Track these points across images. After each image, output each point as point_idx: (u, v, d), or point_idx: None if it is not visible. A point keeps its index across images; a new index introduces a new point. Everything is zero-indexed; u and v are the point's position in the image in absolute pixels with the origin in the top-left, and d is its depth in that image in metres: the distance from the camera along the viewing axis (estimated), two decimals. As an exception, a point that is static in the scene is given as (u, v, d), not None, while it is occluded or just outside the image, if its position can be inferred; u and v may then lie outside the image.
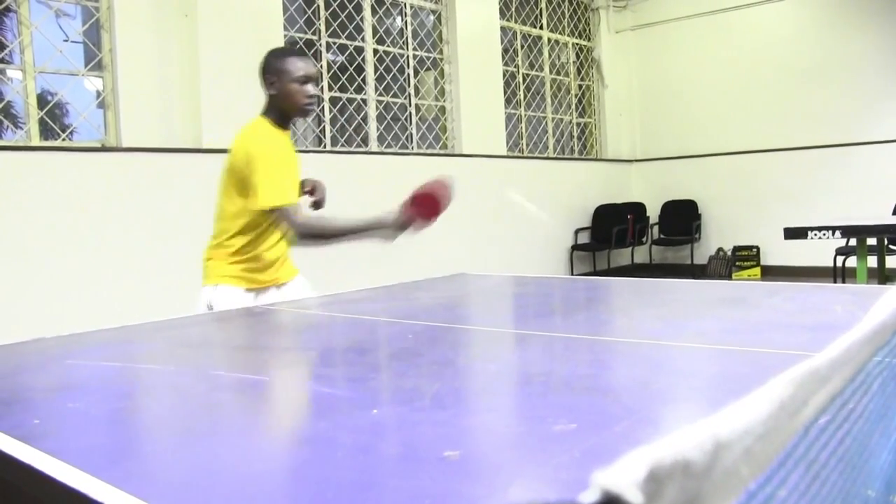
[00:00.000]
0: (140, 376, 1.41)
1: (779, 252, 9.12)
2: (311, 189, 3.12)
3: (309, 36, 6.96)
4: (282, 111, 2.83)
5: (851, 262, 6.59)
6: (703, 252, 10.09)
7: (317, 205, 3.09)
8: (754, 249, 9.67)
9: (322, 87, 7.03)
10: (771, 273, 9.48)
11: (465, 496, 0.59)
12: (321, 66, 7.01)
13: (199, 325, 2.01)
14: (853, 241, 5.44)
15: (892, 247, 6.71)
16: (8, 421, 0.97)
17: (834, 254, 7.36)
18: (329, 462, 0.77)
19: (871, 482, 0.55)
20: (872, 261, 5.87)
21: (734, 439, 0.24)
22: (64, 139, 5.54)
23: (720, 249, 10.01)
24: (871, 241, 5.72)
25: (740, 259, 9.74)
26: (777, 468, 0.30)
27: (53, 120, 5.49)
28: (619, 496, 0.20)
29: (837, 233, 4.96)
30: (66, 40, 5.64)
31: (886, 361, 0.56)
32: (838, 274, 7.23)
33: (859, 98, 8.99)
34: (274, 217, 2.62)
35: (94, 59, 5.63)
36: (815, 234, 5.00)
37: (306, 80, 2.78)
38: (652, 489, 0.21)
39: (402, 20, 7.93)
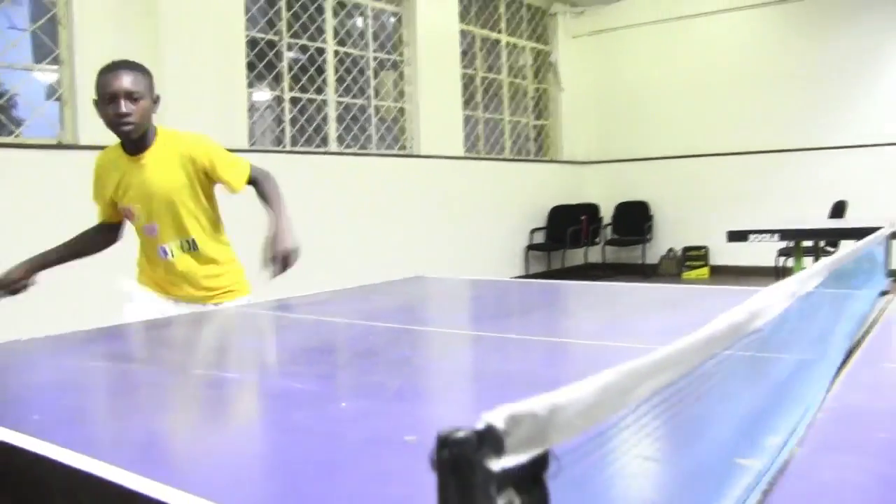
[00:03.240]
0: (125, 374, 1.52)
1: (726, 252, 9.35)
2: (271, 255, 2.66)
3: (270, 37, 7.02)
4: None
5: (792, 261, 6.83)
6: (655, 252, 10.32)
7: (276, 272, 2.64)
8: (703, 250, 9.92)
9: (282, 87, 7.11)
10: (719, 273, 9.73)
11: (421, 472, 0.72)
12: (282, 67, 7.09)
13: (169, 327, 2.11)
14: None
15: (829, 248, 6.95)
16: (10, 417, 1.08)
17: (776, 254, 7.62)
18: (307, 446, 0.90)
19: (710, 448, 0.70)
20: (812, 261, 6.12)
21: (568, 403, 0.37)
22: (17, 135, 5.51)
23: (671, 250, 10.25)
24: (810, 242, 5.97)
25: (690, 259, 9.99)
26: (611, 425, 0.43)
27: (3, 114, 5.46)
28: (493, 425, 0.33)
29: (776, 236, 5.18)
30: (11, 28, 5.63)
31: (736, 354, 0.70)
32: (780, 274, 7.47)
33: (806, 106, 9.28)
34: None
35: (50, 54, 5.61)
36: (756, 238, 5.21)
37: (113, 97, 2.47)
38: (511, 424, 0.35)
39: (363, 22, 8.03)
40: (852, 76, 9.05)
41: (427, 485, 0.38)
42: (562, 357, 1.56)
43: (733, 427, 0.73)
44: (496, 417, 0.36)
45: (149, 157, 2.59)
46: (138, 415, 1.18)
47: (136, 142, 2.57)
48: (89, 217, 4.47)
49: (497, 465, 0.36)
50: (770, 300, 0.75)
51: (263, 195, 2.65)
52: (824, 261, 1.24)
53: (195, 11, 6.15)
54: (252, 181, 2.65)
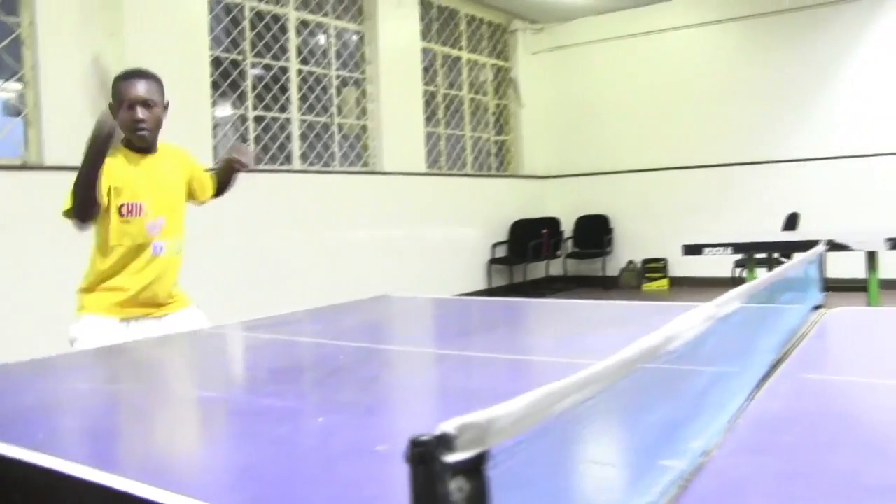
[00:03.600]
0: (115, 395, 1.63)
1: (685, 264, 9.56)
2: (232, 157, 3.09)
3: (234, 56, 7.11)
4: (125, 135, 2.79)
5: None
6: (615, 264, 10.53)
7: (239, 168, 3.08)
8: (662, 262, 10.14)
9: (246, 105, 7.21)
10: (678, 284, 9.96)
11: (392, 476, 0.84)
12: (246, 86, 7.18)
13: (147, 349, 2.21)
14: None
15: (783, 259, 7.17)
16: (15, 435, 1.18)
17: (733, 265, 7.83)
18: (292, 457, 1.02)
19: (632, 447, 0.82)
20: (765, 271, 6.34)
21: (502, 415, 0.50)
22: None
23: (631, 262, 10.45)
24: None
25: (649, 271, 10.20)
26: (537, 431, 0.56)
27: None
28: (447, 431, 0.46)
29: (730, 249, 5.37)
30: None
31: (661, 367, 0.83)
32: (736, 284, 7.66)
33: (760, 120, 9.56)
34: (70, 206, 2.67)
35: (14, 74, 5.65)
36: (711, 251, 5.40)
37: (132, 103, 2.71)
38: (460, 431, 0.47)
39: (326, 41, 8.14)
40: (804, 92, 9.34)
41: (397, 486, 0.50)
42: (519, 373, 1.69)
43: (656, 432, 0.86)
44: (449, 426, 0.49)
45: (158, 157, 2.85)
46: (131, 432, 1.29)
47: (148, 145, 2.80)
48: (56, 237, 4.50)
49: (450, 459, 0.49)
50: (685, 325, 0.88)
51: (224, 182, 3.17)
52: (748, 285, 1.39)
53: (159, 31, 6.22)
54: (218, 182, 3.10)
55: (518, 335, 2.33)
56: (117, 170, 2.72)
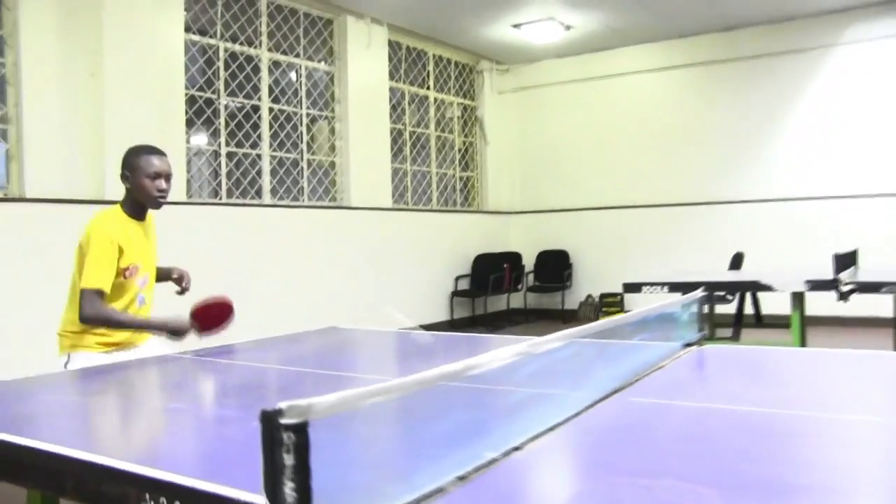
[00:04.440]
0: (96, 405, 1.99)
1: (640, 299, 9.93)
2: (178, 277, 3.47)
3: (208, 95, 7.48)
4: (136, 203, 3.15)
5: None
6: (574, 298, 10.94)
7: (182, 291, 3.44)
8: (619, 296, 10.53)
9: (219, 142, 7.57)
10: (650, 325, 10.34)
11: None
12: (219, 123, 7.55)
13: (122, 371, 2.57)
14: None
15: (728, 297, 7.58)
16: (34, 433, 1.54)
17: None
18: (233, 446, 1.38)
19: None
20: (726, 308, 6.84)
21: (318, 402, 0.87)
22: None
23: (589, 296, 10.86)
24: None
25: (606, 305, 10.60)
26: (348, 415, 0.94)
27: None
28: (283, 407, 0.84)
29: (666, 287, 5.77)
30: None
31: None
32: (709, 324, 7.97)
33: (710, 162, 10.06)
34: (83, 305, 2.93)
35: None
36: (648, 289, 5.81)
37: (157, 175, 3.11)
38: (290, 408, 0.85)
39: (297, 80, 8.54)
40: (751, 137, 9.85)
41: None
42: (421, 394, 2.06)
43: (462, 431, 1.24)
44: (283, 405, 0.86)
45: (146, 223, 3.25)
46: (126, 431, 1.65)
47: (146, 212, 3.22)
48: (35, 267, 4.78)
49: (283, 421, 0.86)
50: (491, 357, 1.27)
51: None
52: (597, 323, 1.78)
53: (137, 71, 6.56)
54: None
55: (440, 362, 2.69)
56: (125, 238, 3.10)
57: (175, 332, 3.02)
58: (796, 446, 1.43)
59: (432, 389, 1.12)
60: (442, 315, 10.02)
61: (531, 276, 11.16)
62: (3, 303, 5.58)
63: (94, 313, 2.94)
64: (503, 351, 1.31)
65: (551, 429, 1.44)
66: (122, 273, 3.08)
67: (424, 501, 1.04)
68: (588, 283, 10.89)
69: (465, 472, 1.16)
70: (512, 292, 10.77)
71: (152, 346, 3.24)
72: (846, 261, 6.18)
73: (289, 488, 0.86)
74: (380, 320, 8.52)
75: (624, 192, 10.69)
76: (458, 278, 10.32)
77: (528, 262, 11.16)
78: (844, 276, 5.36)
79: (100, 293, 2.96)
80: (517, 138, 11.70)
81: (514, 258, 10.92)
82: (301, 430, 0.87)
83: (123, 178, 3.15)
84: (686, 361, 2.35)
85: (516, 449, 1.31)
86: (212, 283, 6.94)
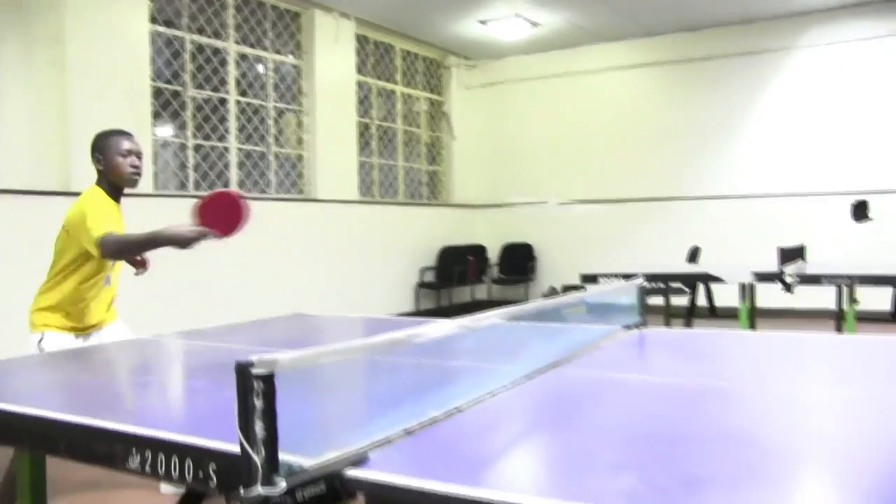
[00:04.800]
0: (86, 383, 2.17)
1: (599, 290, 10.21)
2: (141, 259, 3.59)
3: (175, 87, 7.59)
4: (111, 183, 3.25)
5: (656, 300, 7.63)
6: (538, 290, 11.17)
7: (139, 273, 3.61)
8: (582, 289, 10.76)
9: (187, 134, 7.68)
10: (593, 310, 10.58)
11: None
12: (186, 116, 7.66)
13: (97, 353, 2.74)
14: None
15: (686, 289, 7.84)
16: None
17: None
18: (224, 410, 1.56)
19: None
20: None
21: (282, 357, 1.05)
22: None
23: (552, 287, 11.09)
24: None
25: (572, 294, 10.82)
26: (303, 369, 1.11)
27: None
28: (253, 359, 1.01)
29: (621, 279, 5.99)
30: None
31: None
32: (644, 308, 8.23)
33: (672, 159, 10.33)
34: (102, 246, 3.01)
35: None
36: (604, 280, 6.04)
37: (129, 153, 3.23)
38: (259, 361, 1.02)
39: (265, 73, 8.66)
40: (713, 134, 10.15)
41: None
42: (375, 370, 2.23)
43: (406, 392, 1.43)
44: (255, 357, 1.04)
45: (120, 207, 3.33)
46: (108, 400, 1.83)
47: (121, 193, 3.31)
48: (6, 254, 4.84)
49: (255, 371, 1.04)
50: (430, 329, 1.45)
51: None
52: (531, 304, 1.97)
53: (102, 63, 6.62)
54: None
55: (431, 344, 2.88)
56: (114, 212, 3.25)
57: (186, 240, 3.11)
58: (708, 409, 1.63)
59: (383, 358, 1.30)
60: (407, 306, 10.21)
61: (496, 269, 11.38)
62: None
63: (115, 249, 3.07)
64: (446, 323, 1.50)
65: (491, 394, 1.62)
66: None
67: (374, 448, 1.22)
68: (551, 275, 11.12)
69: (410, 426, 1.35)
70: (476, 284, 10.98)
71: (117, 328, 3.42)
72: (792, 254, 6.46)
73: (258, 427, 1.04)
74: (345, 310, 8.69)
75: (587, 187, 10.94)
76: (423, 270, 10.51)
77: (493, 254, 11.38)
78: (789, 269, 5.63)
79: (111, 234, 3.05)
80: (484, 133, 11.90)
81: (479, 251, 11.14)
82: (269, 379, 1.05)
83: (95, 160, 3.25)
84: (623, 342, 2.56)
85: (458, 409, 1.49)
86: (180, 274, 7.09)
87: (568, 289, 11.19)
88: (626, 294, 2.86)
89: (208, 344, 2.79)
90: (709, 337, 3.01)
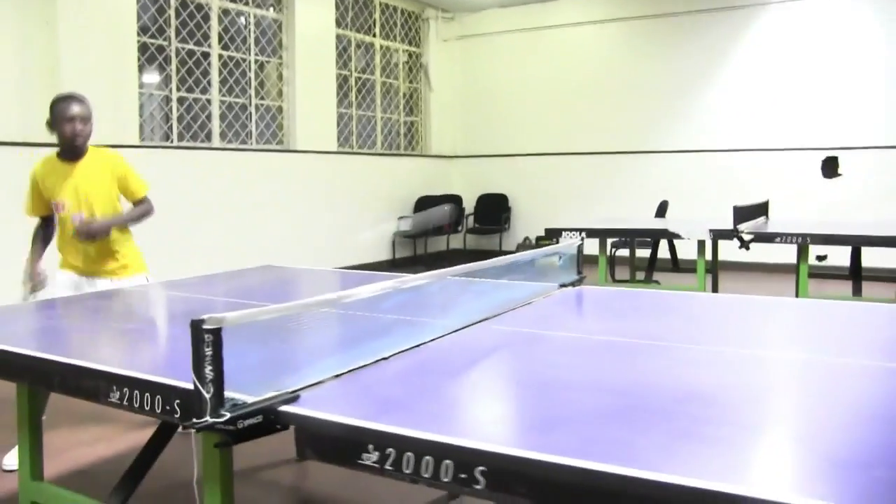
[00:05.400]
0: (75, 329, 2.47)
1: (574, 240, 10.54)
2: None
3: (160, 42, 7.77)
4: (61, 145, 3.62)
5: (622, 252, 7.93)
6: (512, 240, 11.50)
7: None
8: (554, 240, 11.08)
9: (171, 87, 7.89)
10: (533, 268, 10.92)
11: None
12: (171, 70, 7.86)
13: (89, 301, 3.04)
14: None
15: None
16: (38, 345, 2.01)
17: (609, 245, 8.80)
18: (180, 354, 1.86)
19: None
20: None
21: (228, 316, 1.34)
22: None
23: (526, 238, 11.42)
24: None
25: (542, 246, 11.14)
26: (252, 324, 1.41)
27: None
28: (205, 317, 1.31)
29: (583, 233, 6.31)
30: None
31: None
32: (616, 261, 8.47)
33: (644, 114, 10.60)
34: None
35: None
36: (567, 234, 6.35)
37: (72, 119, 3.52)
38: (209, 318, 1.32)
39: (246, 27, 8.83)
40: (684, 89, 10.40)
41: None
42: (343, 322, 2.53)
43: (344, 342, 1.73)
44: (206, 316, 1.33)
45: (81, 165, 3.65)
46: (94, 344, 2.13)
47: (76, 153, 3.61)
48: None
49: (205, 326, 1.33)
50: (362, 290, 1.75)
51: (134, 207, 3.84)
52: (475, 264, 2.28)
53: (90, 19, 6.84)
54: (141, 201, 3.80)
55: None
56: (46, 180, 3.65)
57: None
58: (605, 361, 1.94)
59: (317, 314, 1.61)
60: (384, 255, 10.51)
61: (471, 219, 11.68)
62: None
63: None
64: (374, 285, 1.80)
65: (416, 346, 1.93)
66: (54, 207, 3.64)
67: (306, 389, 1.53)
68: (525, 225, 11.44)
69: (339, 372, 1.65)
70: (452, 234, 11.27)
71: (127, 281, 3.72)
72: (754, 212, 6.77)
73: (208, 371, 1.35)
74: (324, 259, 9.01)
75: (561, 140, 11.22)
76: (400, 219, 10.78)
77: (469, 205, 11.66)
78: (745, 226, 5.95)
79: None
80: (461, 85, 12.11)
81: (455, 201, 11.40)
82: (217, 333, 1.35)
83: (48, 126, 3.60)
84: (555, 299, 2.86)
85: (384, 359, 1.80)
86: (164, 224, 7.34)
87: (540, 240, 11.55)
88: (565, 253, 3.14)
89: (185, 294, 3.09)
90: (638, 297, 3.31)
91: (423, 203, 11.03)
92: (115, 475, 2.24)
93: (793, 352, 2.06)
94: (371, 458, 1.28)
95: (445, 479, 1.21)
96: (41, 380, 1.90)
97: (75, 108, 3.56)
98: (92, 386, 1.72)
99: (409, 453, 1.25)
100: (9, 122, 6.41)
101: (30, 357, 1.88)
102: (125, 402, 1.65)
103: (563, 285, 3.08)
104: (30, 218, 3.78)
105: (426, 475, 1.23)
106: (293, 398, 1.46)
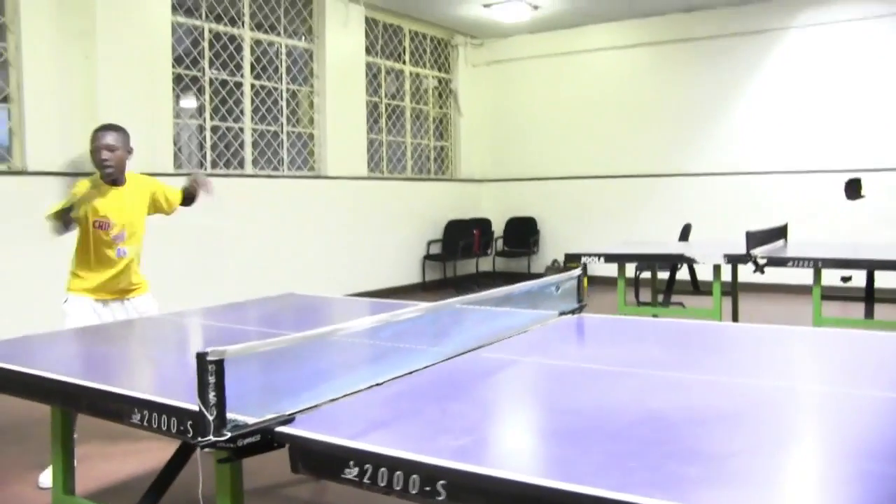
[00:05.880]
0: (103, 357, 2.70)
1: (601, 264, 10.67)
2: (191, 185, 4.19)
3: (194, 72, 8.09)
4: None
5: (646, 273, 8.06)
6: (541, 263, 11.66)
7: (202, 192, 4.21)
8: (567, 265, 11.23)
9: (204, 117, 8.19)
10: (595, 282, 10.93)
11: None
12: (204, 99, 8.16)
13: (116, 330, 3.27)
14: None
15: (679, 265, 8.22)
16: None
17: (635, 268, 8.91)
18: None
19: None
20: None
21: (230, 348, 1.54)
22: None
23: (555, 261, 11.57)
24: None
25: (570, 269, 11.27)
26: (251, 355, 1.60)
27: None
28: (208, 349, 1.51)
29: (602, 258, 6.48)
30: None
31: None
32: (640, 283, 8.58)
33: (672, 136, 10.74)
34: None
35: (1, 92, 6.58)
36: (587, 259, 6.51)
37: (99, 148, 3.78)
38: (213, 351, 1.52)
39: (277, 57, 9.12)
40: (710, 111, 10.54)
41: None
42: (347, 351, 2.72)
43: (344, 368, 1.93)
44: (210, 349, 1.53)
45: (126, 188, 3.93)
46: (119, 370, 2.35)
47: (115, 178, 3.87)
48: (37, 233, 5.38)
49: (209, 358, 1.53)
50: (350, 325, 1.95)
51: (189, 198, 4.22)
52: (470, 296, 2.47)
53: (127, 53, 7.16)
54: (184, 197, 4.16)
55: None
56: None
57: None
58: (592, 389, 2.12)
59: (316, 342, 1.81)
60: (414, 278, 10.72)
61: (500, 242, 11.86)
62: (8, 262, 6.26)
63: (51, 226, 3.75)
64: (368, 318, 2.00)
65: (409, 373, 2.12)
66: (93, 224, 3.80)
67: (301, 412, 1.72)
68: (554, 248, 11.60)
69: (335, 396, 1.85)
70: (481, 256, 11.46)
71: (144, 301, 3.98)
72: (771, 235, 6.88)
73: (211, 396, 1.55)
74: (356, 282, 9.24)
75: (589, 163, 11.38)
76: (430, 243, 11.00)
77: (498, 227, 11.85)
78: (760, 250, 6.07)
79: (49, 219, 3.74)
80: (490, 109, 12.34)
81: (484, 224, 11.61)
82: (219, 363, 1.55)
83: (90, 154, 3.87)
84: (552, 327, 3.03)
85: (378, 384, 1.99)
86: (197, 249, 7.61)
87: (568, 262, 11.68)
88: (565, 283, 3.31)
89: (207, 322, 3.31)
90: (640, 325, 3.46)
91: (453, 227, 11.23)
92: (141, 491, 2.45)
93: (771, 380, 2.20)
94: (352, 472, 1.47)
95: (413, 492, 1.39)
96: (70, 402, 2.12)
97: (105, 138, 3.80)
98: (115, 408, 1.93)
99: (384, 469, 1.43)
100: (50, 151, 6.70)
101: (60, 381, 2.10)
102: (145, 423, 1.86)
103: (562, 313, 3.24)
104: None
105: (397, 488, 1.41)
106: (289, 420, 1.66)
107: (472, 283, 11.12)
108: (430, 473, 1.38)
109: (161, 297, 4.10)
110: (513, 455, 1.47)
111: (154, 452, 4.01)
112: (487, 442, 1.61)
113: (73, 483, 2.56)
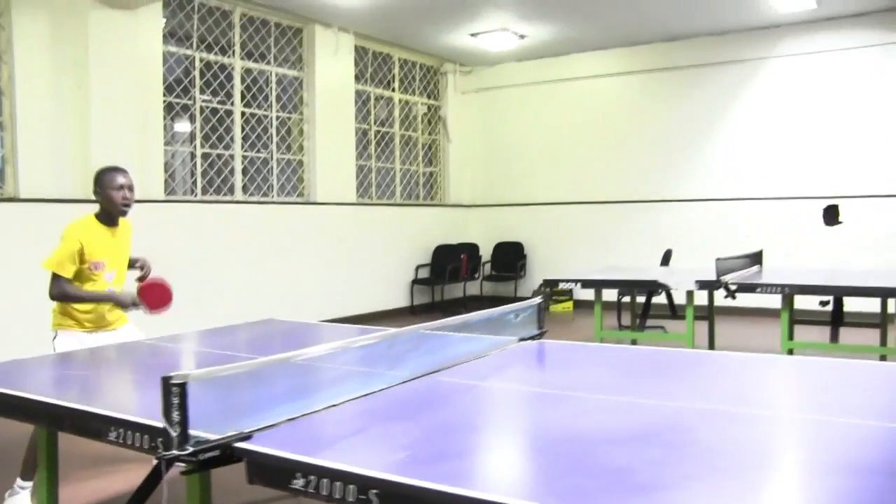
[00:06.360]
0: (86, 379, 2.88)
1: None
2: (140, 265, 4.24)
3: (185, 101, 8.30)
4: (106, 212, 3.96)
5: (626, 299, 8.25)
6: (528, 287, 11.85)
7: (142, 277, 4.18)
8: (550, 289, 11.42)
9: (195, 144, 8.40)
10: (581, 306, 11.25)
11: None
12: (195, 127, 8.37)
13: (98, 354, 3.45)
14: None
15: (659, 291, 8.42)
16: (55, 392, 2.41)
17: (617, 293, 9.09)
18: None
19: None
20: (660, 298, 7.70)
21: (193, 373, 1.72)
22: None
23: (541, 285, 11.74)
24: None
25: (557, 294, 11.49)
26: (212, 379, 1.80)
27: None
28: (174, 374, 1.70)
29: (578, 284, 6.67)
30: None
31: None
32: (620, 307, 8.76)
33: (655, 163, 10.98)
34: (52, 286, 3.82)
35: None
36: (564, 285, 6.71)
37: (121, 187, 3.91)
38: (177, 375, 1.70)
39: (267, 86, 9.34)
40: (693, 139, 10.79)
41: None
42: (320, 375, 2.91)
43: (295, 390, 2.12)
44: (174, 373, 1.72)
45: (118, 230, 4.07)
46: (101, 392, 2.54)
47: (116, 219, 4.01)
48: (27, 259, 5.51)
49: (173, 381, 1.71)
50: (318, 349, 2.13)
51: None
52: (426, 324, 2.66)
53: (119, 83, 7.35)
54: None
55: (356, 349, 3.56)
56: (91, 239, 3.96)
57: (120, 304, 3.92)
58: (538, 412, 2.30)
59: (279, 366, 2.00)
60: (403, 301, 10.91)
61: (488, 266, 12.06)
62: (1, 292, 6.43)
63: (57, 292, 3.85)
64: (325, 345, 2.19)
65: (365, 395, 2.31)
66: (88, 266, 3.92)
67: (260, 430, 1.90)
68: (541, 272, 11.77)
69: (293, 416, 2.03)
70: (469, 281, 11.65)
71: (128, 330, 4.12)
72: (745, 262, 7.08)
73: (175, 415, 1.73)
74: (344, 307, 9.42)
75: (575, 189, 11.61)
76: (418, 267, 11.19)
77: (486, 252, 12.06)
78: (730, 277, 6.27)
79: (57, 276, 3.83)
80: (478, 136, 12.58)
81: (472, 249, 11.82)
82: (183, 385, 1.74)
83: (95, 193, 4.00)
84: (510, 352, 3.20)
85: (334, 406, 2.18)
86: (188, 274, 7.82)
87: (545, 287, 11.87)
88: (525, 310, 3.50)
89: (184, 347, 3.49)
90: (596, 351, 3.64)
91: (441, 251, 11.43)
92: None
93: (704, 402, 2.39)
94: (299, 482, 1.66)
95: (350, 500, 1.58)
96: (54, 421, 2.31)
97: (123, 179, 3.97)
98: (94, 427, 2.11)
99: (325, 479, 1.62)
100: (44, 179, 6.90)
101: (44, 403, 2.28)
102: (121, 441, 2.04)
103: (522, 339, 3.42)
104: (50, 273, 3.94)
105: (337, 496, 1.60)
106: (247, 437, 1.84)
107: (460, 307, 11.30)
108: (364, 483, 1.57)
109: (150, 322, 4.24)
110: (439, 467, 1.66)
111: (136, 472, 4.18)
112: (419, 457, 1.79)
113: (56, 498, 2.74)
